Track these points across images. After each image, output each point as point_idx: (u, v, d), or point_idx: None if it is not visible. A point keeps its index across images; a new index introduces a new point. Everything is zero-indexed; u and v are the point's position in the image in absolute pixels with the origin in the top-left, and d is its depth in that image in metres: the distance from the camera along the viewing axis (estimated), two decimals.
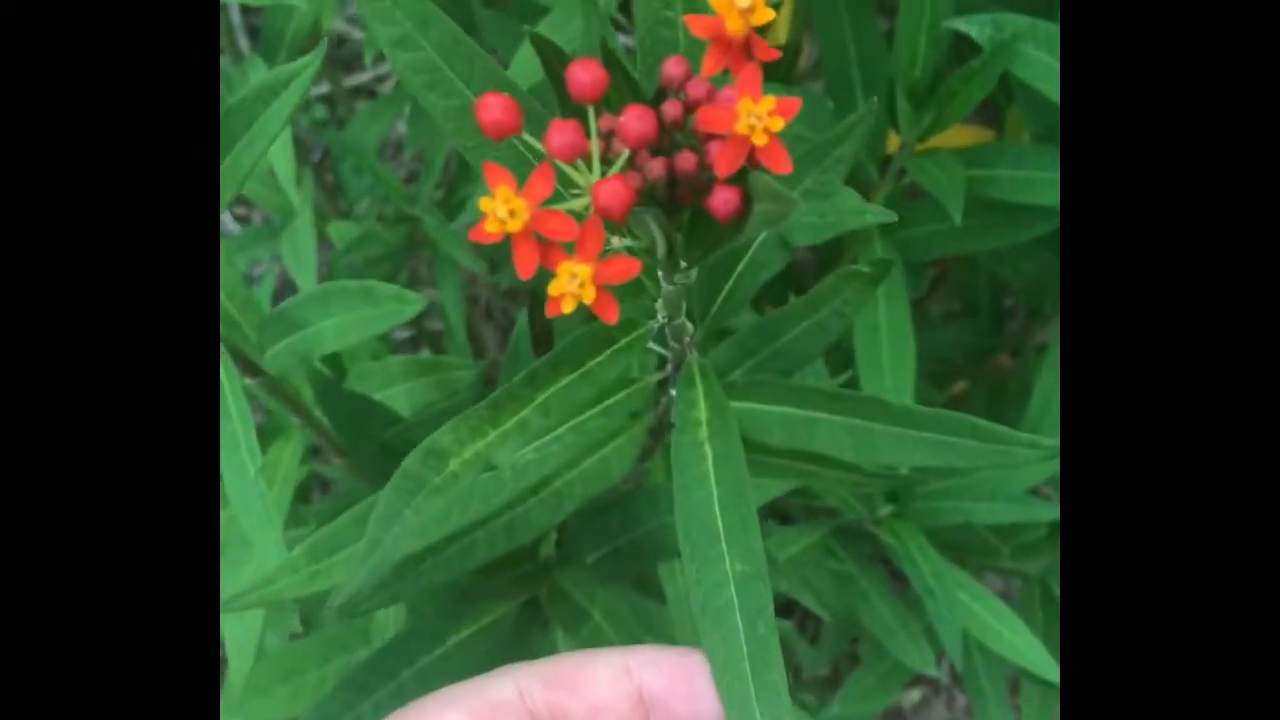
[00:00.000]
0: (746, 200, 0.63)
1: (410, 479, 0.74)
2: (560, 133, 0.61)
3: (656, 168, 0.63)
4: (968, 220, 1.35)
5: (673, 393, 0.95)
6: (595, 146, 0.64)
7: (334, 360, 1.42)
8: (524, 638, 1.24)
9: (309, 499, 1.50)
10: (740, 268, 0.95)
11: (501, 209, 0.61)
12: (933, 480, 1.44)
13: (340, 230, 1.56)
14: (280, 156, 1.48)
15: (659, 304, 0.83)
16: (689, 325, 0.87)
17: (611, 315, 0.64)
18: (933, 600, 1.37)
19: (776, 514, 1.32)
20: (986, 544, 1.51)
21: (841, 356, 1.49)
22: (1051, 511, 1.45)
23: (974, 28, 1.29)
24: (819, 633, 1.87)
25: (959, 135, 1.40)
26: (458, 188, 1.65)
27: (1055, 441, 0.86)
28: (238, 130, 1.00)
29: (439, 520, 0.85)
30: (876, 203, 1.45)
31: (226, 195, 1.02)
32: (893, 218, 0.85)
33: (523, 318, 1.16)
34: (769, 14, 0.60)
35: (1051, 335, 1.64)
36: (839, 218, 0.88)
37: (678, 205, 0.66)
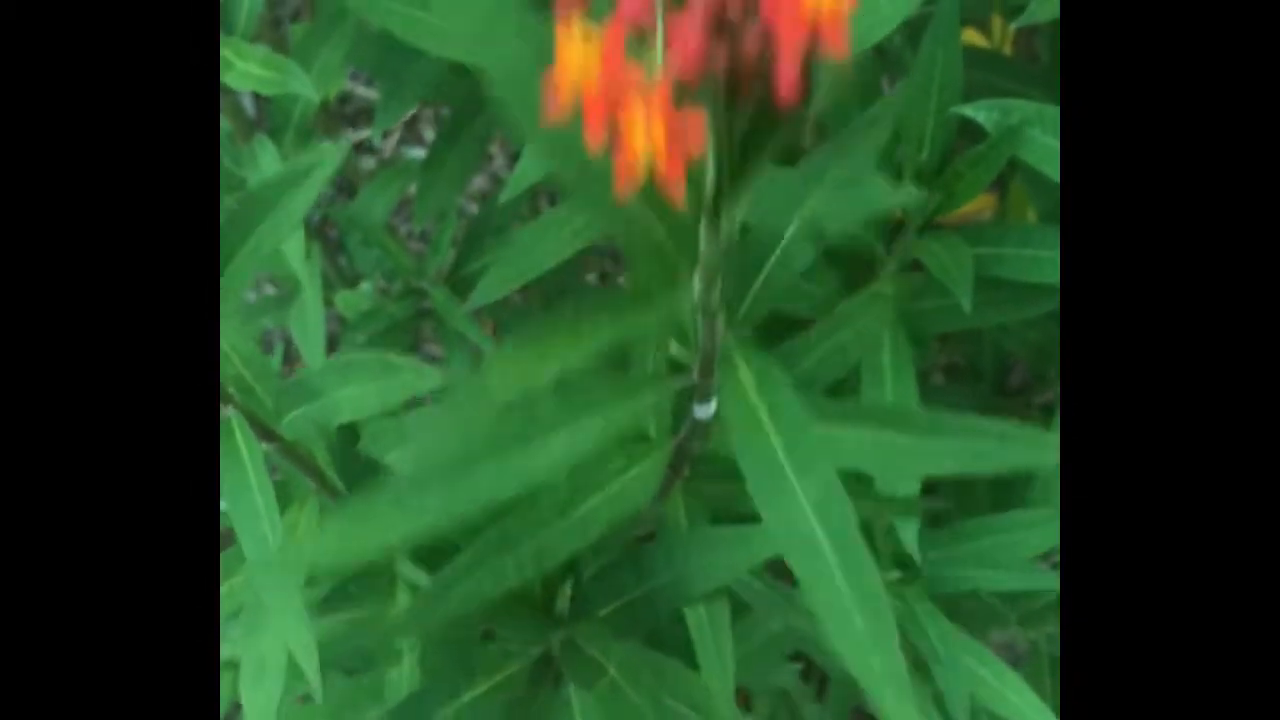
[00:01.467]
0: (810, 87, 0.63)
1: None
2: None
3: (719, 55, 0.63)
4: (974, 297, 1.36)
5: (696, 414, 0.94)
6: (660, 30, 0.64)
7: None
8: (537, 694, 1.24)
9: None
10: (770, 263, 0.94)
11: (580, 45, 0.60)
12: (942, 546, 1.44)
13: (347, 301, 1.57)
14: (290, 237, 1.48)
15: (696, 275, 0.81)
16: (720, 326, 0.86)
17: (679, 183, 0.63)
18: (940, 667, 1.37)
19: (785, 574, 1.31)
20: (993, 610, 1.50)
21: None
22: (1057, 580, 1.44)
23: (981, 113, 1.31)
24: (824, 687, 1.86)
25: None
26: (466, 260, 1.66)
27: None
28: (259, 215, 1.03)
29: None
30: (883, 279, 1.47)
31: (246, 275, 1.04)
32: (920, 199, 0.85)
33: None
34: None
35: (1056, 400, 1.65)
36: (869, 204, 0.87)
37: (735, 101, 0.66)
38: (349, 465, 1.23)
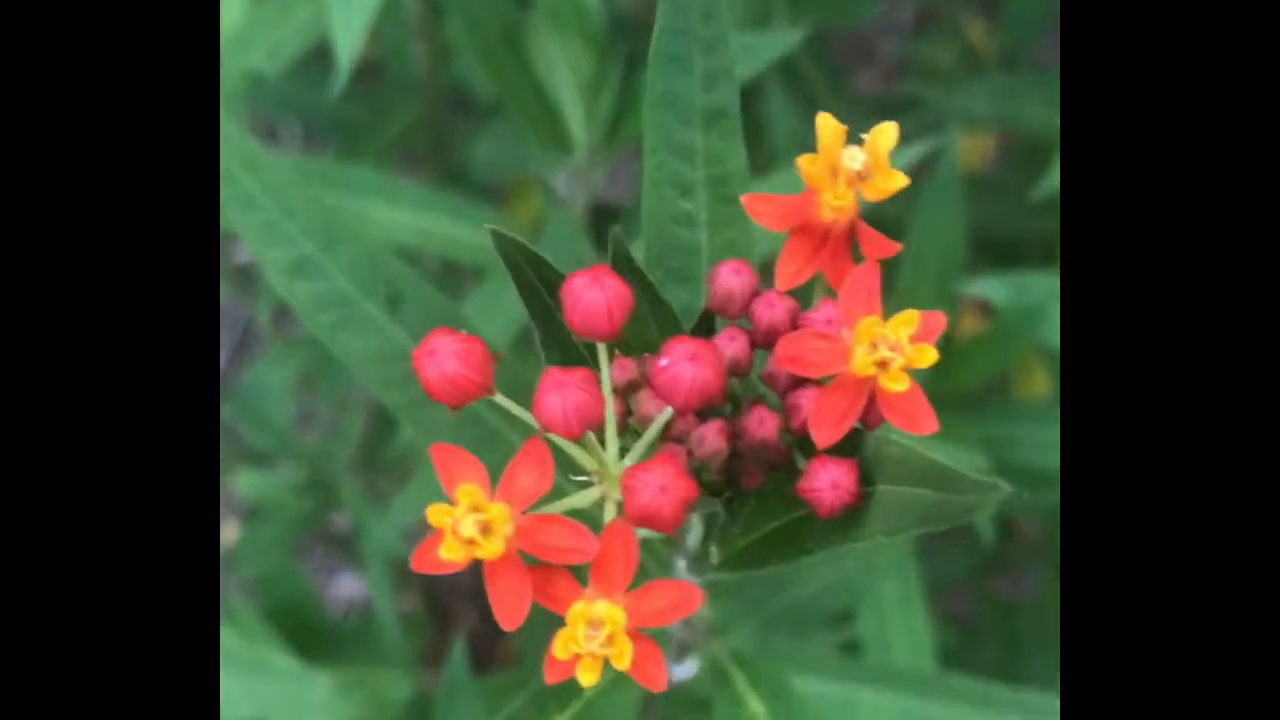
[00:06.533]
0: (864, 481, 0.39)
1: None
2: (560, 389, 0.37)
3: (712, 438, 0.40)
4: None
5: (674, 675, 0.83)
6: (611, 409, 0.40)
7: None
8: None
9: None
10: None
11: (467, 523, 0.36)
12: None
13: (250, 482, 1.35)
14: None
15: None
16: (705, 613, 0.69)
17: (659, 680, 0.39)
18: None
19: None
20: None
21: None
22: None
23: (994, 291, 1.13)
24: None
25: None
26: (378, 448, 1.43)
27: None
28: None
29: None
30: None
31: None
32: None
33: (459, 649, 0.99)
34: (898, 179, 0.37)
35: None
36: None
37: (738, 491, 0.42)
38: None
